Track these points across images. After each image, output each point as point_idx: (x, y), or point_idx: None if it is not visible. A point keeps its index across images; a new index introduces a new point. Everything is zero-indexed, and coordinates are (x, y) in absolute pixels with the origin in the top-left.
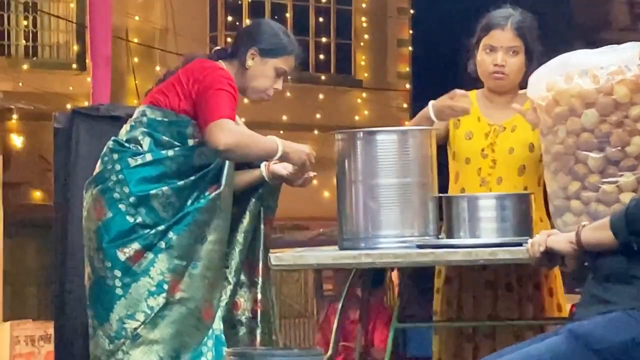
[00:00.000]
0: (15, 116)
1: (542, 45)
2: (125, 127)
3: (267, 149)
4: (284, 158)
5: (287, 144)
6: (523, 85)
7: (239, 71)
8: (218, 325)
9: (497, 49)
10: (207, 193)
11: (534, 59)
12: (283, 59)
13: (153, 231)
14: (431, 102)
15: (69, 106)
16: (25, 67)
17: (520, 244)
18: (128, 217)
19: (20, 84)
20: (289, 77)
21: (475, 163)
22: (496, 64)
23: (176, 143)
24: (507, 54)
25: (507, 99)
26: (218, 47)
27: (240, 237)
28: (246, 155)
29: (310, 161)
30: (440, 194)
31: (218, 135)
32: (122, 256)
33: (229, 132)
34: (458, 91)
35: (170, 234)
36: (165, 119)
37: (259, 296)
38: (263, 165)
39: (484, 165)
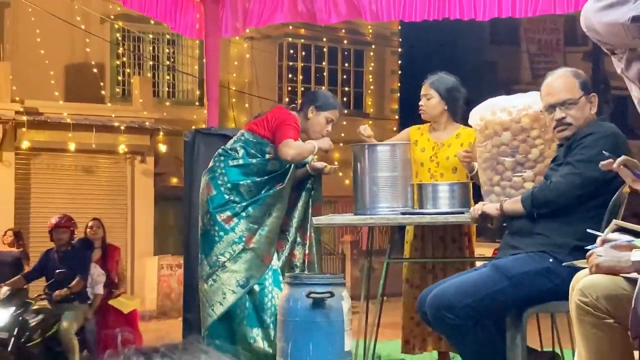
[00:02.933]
0: (161, 133)
1: (460, 93)
2: (230, 141)
3: (311, 149)
4: (320, 149)
5: (317, 143)
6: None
7: (303, 120)
8: (276, 264)
9: (421, 96)
10: (275, 187)
11: (450, 100)
12: (331, 112)
13: (239, 205)
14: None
15: (193, 127)
16: (167, 104)
17: (462, 212)
18: (225, 195)
19: (165, 114)
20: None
21: (426, 165)
22: (420, 104)
23: (258, 155)
24: (425, 99)
25: (443, 126)
26: (293, 104)
27: (296, 214)
28: (302, 157)
29: (330, 147)
30: (416, 182)
31: (286, 149)
32: (219, 218)
33: (292, 147)
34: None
35: (250, 209)
36: (254, 140)
37: (307, 251)
38: (307, 165)
39: (432, 166)
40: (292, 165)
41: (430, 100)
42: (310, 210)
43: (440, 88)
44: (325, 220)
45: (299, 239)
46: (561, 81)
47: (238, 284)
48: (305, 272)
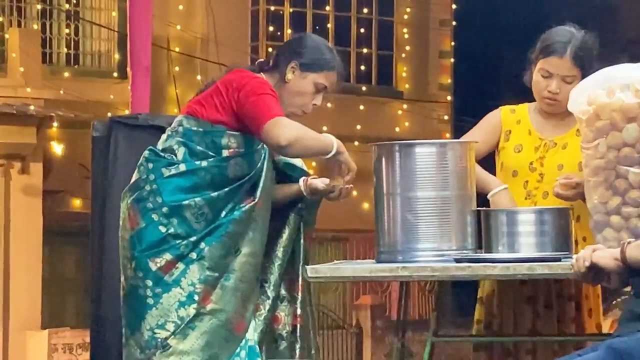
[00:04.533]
0: (55, 124)
1: (599, 64)
2: (163, 137)
3: (325, 143)
4: (338, 154)
5: (341, 143)
6: None
7: (278, 84)
8: (252, 336)
9: (553, 75)
10: (242, 205)
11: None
12: (323, 75)
13: (185, 242)
14: (492, 199)
15: (109, 115)
16: (66, 74)
17: (559, 259)
18: (160, 227)
19: (62, 91)
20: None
21: (523, 176)
22: (550, 91)
23: (210, 153)
24: (562, 82)
25: (559, 115)
26: (261, 59)
27: (279, 251)
28: (307, 149)
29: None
30: (479, 208)
31: (278, 131)
32: (153, 266)
33: (289, 127)
34: None
35: (202, 245)
36: (200, 129)
37: (299, 311)
38: (302, 180)
39: (531, 179)
40: (266, 165)
41: (571, 85)
42: (302, 243)
43: (586, 63)
44: (326, 272)
45: (283, 292)
46: None
47: None
48: (297, 351)
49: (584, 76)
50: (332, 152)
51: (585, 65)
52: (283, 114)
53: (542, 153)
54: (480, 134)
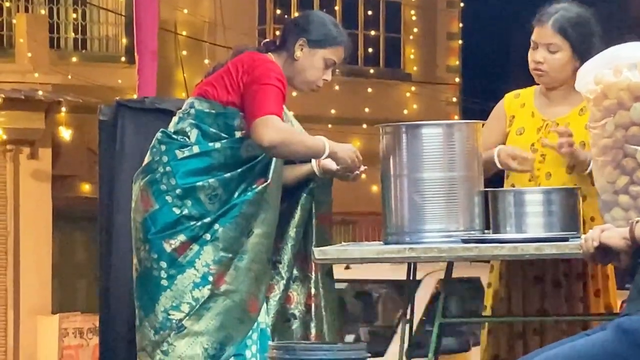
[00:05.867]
0: (64, 109)
1: (602, 42)
2: (174, 119)
3: (314, 148)
4: (331, 158)
5: (333, 144)
6: None
7: (287, 62)
8: (264, 319)
9: (539, 45)
10: (254, 186)
11: (586, 56)
12: (332, 50)
13: (199, 223)
14: (498, 149)
15: (116, 99)
16: (74, 59)
17: (566, 239)
18: (174, 209)
19: (69, 76)
20: (337, 70)
21: None
22: (534, 60)
23: (223, 135)
24: (547, 52)
25: (561, 94)
26: (267, 40)
27: (292, 232)
28: (292, 153)
29: (358, 158)
30: (486, 189)
31: (263, 131)
32: (167, 248)
33: (275, 129)
34: (524, 154)
35: (216, 226)
36: (213, 111)
37: (313, 290)
38: (314, 160)
39: (535, 160)
40: None
41: (556, 55)
42: (313, 224)
43: (572, 34)
44: (334, 254)
45: (296, 272)
46: None
47: (207, 354)
48: (312, 330)
49: (574, 48)
50: (324, 156)
51: (571, 35)
52: (280, 112)
53: (544, 134)
54: (486, 129)
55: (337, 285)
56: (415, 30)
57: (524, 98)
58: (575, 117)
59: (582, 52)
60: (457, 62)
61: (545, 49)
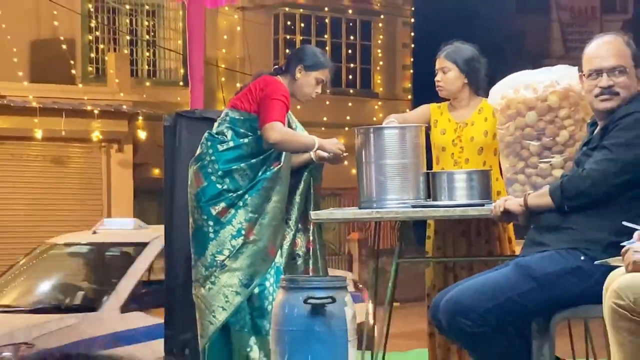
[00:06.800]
0: (140, 118)
1: (482, 65)
2: (215, 124)
3: (306, 144)
4: (320, 149)
5: (322, 140)
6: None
7: (290, 82)
8: (279, 259)
9: (437, 71)
10: (272, 167)
11: (471, 74)
12: (321, 72)
13: (235, 194)
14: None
15: (176, 111)
16: (147, 84)
17: (483, 205)
18: (217, 185)
19: (144, 95)
20: (327, 91)
21: (449, 150)
22: (436, 80)
23: (249, 134)
24: (442, 73)
25: (464, 103)
26: (276, 66)
27: (297, 198)
28: (290, 148)
29: (341, 148)
30: (428, 171)
31: (269, 133)
32: (213, 211)
33: (278, 132)
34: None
35: (246, 196)
36: (242, 117)
37: (311, 238)
38: (312, 151)
39: (455, 151)
40: None
41: (448, 74)
42: (312, 192)
43: (457, 59)
44: (324, 215)
45: (300, 226)
46: (612, 46)
47: (241, 283)
48: (310, 265)
49: (460, 68)
50: (315, 148)
51: (457, 60)
52: (283, 119)
53: (459, 132)
54: (414, 113)
55: (82, 248)
56: (381, 63)
57: (442, 109)
58: (476, 116)
59: (467, 71)
60: (409, 85)
61: (441, 71)
